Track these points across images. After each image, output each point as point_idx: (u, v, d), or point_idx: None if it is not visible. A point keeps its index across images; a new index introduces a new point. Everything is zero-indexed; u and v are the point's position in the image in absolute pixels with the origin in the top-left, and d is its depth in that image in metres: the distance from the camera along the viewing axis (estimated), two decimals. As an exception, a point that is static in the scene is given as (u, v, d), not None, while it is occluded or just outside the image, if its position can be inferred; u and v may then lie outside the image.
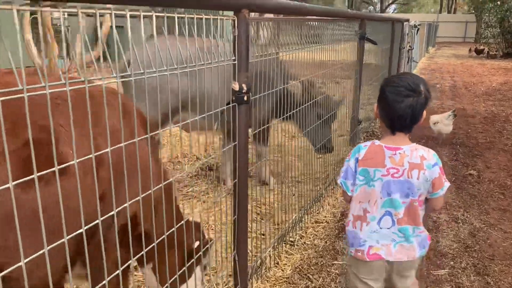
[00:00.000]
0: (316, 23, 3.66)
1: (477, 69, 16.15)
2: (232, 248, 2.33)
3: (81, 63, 1.42)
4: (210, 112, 1.91)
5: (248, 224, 2.33)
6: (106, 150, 1.22)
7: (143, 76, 1.39)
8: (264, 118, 3.82)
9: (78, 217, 1.22)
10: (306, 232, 3.48)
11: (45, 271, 1.12)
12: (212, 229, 3.35)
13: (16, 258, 1.07)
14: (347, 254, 2.03)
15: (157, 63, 1.47)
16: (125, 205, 1.33)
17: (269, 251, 2.99)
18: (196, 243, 2.04)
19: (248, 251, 2.54)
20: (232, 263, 2.35)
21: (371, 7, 58.50)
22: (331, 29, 4.16)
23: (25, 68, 0.98)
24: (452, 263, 3.11)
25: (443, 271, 3.01)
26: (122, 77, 1.71)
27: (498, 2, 22.26)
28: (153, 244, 1.57)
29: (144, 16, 1.33)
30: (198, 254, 2.04)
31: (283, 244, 3.21)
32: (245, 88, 1.98)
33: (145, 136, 1.50)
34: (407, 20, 8.91)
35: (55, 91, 1.08)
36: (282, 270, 2.95)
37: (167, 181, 1.75)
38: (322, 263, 3.07)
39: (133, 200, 1.42)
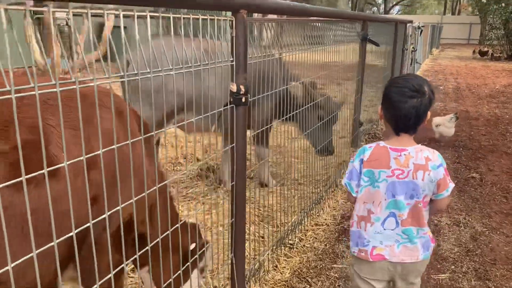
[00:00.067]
0: (318, 24, 3.64)
1: (480, 71, 16.08)
2: (230, 250, 2.31)
3: (83, 63, 1.41)
4: (207, 114, 1.89)
5: (247, 227, 2.31)
6: (98, 152, 1.21)
7: (143, 76, 1.38)
8: (265, 119, 3.81)
9: (71, 220, 1.20)
10: (305, 235, 3.45)
11: (35, 274, 1.11)
12: (211, 231, 3.33)
13: (5, 262, 1.05)
14: (350, 253, 2.02)
15: (152, 64, 1.45)
16: (118, 208, 1.31)
17: (268, 254, 2.97)
18: (192, 245, 2.02)
19: (247, 253, 2.51)
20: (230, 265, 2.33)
21: (375, 8, 58.42)
22: (333, 30, 4.14)
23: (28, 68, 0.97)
24: (453, 267, 3.07)
25: (443, 275, 2.97)
26: (122, 77, 1.70)
27: (503, 4, 22.18)
28: (147, 247, 1.55)
29: (139, 17, 1.31)
30: (195, 257, 2.02)
31: (282, 247, 3.19)
32: (243, 89, 1.96)
33: (139, 138, 1.48)
34: (410, 22, 8.87)
35: (45, 92, 1.07)
36: (281, 273, 2.92)
37: (162, 183, 1.73)
38: (321, 266, 3.04)
39: (126, 203, 1.40)
